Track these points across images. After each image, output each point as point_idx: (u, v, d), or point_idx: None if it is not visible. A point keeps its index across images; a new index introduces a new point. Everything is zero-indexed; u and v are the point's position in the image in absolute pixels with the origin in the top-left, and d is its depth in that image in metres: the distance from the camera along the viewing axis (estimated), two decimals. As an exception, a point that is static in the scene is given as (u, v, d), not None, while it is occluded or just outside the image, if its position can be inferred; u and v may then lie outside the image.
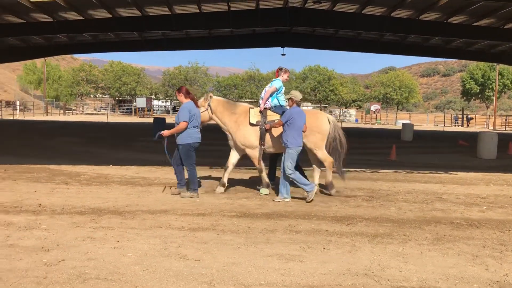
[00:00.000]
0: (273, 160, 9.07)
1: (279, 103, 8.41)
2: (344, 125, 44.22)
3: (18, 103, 51.25)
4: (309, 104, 76.46)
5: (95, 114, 61.91)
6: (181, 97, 7.85)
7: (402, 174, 11.67)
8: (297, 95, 7.82)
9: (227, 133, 8.39)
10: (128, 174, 10.32)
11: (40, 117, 46.73)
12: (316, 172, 8.55)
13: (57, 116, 52.02)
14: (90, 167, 11.05)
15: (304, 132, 7.75)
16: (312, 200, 7.59)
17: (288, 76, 8.72)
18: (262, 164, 8.30)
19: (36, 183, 8.78)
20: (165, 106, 71.05)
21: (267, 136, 8.14)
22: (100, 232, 5.47)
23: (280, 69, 8.64)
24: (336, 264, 4.61)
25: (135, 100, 64.61)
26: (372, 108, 59.31)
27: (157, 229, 5.71)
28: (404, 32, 25.27)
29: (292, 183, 7.85)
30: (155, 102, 69.45)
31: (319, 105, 75.04)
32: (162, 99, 74.42)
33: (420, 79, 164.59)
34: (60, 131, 24.66)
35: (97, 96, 74.11)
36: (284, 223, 6.13)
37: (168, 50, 33.43)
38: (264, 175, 8.36)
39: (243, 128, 8.14)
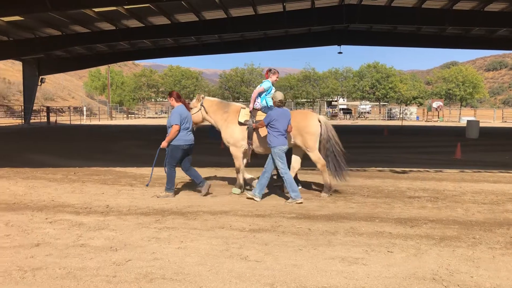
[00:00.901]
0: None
1: (267, 104, 8.32)
2: (404, 123, 42.87)
3: (84, 108, 54.03)
4: (367, 102, 74.86)
5: (156, 117, 63.96)
6: (173, 101, 8.01)
7: (468, 173, 11.12)
8: (277, 95, 7.79)
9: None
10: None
11: (105, 121, 48.97)
12: (292, 171, 8.26)
13: (120, 120, 54.31)
14: (154, 169, 11.38)
15: (289, 132, 7.72)
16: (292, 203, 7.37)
17: (277, 77, 8.60)
18: (242, 165, 8.38)
19: (103, 185, 9.18)
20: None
21: (255, 136, 8.17)
22: (165, 233, 5.63)
23: (269, 70, 8.61)
24: (401, 267, 4.46)
25: (192, 103, 65.93)
26: (434, 105, 56.99)
27: (218, 229, 5.79)
28: (467, 25, 24.20)
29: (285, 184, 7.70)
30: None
31: (377, 103, 73.29)
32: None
33: (485, 73, 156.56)
34: (124, 135, 25.69)
35: (157, 100, 76.59)
36: (345, 225, 6.02)
37: (224, 53, 34.01)
38: (241, 176, 8.39)
39: (231, 126, 8.29)
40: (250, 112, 8.35)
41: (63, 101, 60.69)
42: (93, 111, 59.36)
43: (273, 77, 8.53)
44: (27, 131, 28.08)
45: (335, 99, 76.74)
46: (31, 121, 36.26)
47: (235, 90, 72.98)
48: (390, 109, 65.37)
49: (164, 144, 7.85)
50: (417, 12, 22.16)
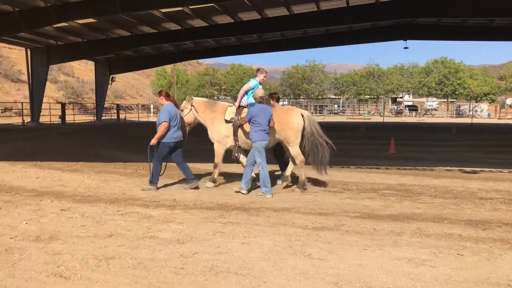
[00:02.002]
0: (280, 155, 9.22)
1: (254, 101, 8.40)
2: (475, 120, 40.75)
3: (151, 106, 56.09)
4: (434, 99, 71.91)
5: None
6: (162, 100, 8.41)
7: (547, 175, 10.40)
8: (257, 92, 8.12)
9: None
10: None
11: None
12: (290, 166, 8.64)
13: (184, 117, 55.79)
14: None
15: (271, 127, 7.99)
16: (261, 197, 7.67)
17: (265, 77, 8.87)
18: (221, 162, 8.75)
19: (171, 180, 9.51)
20: (282, 106, 72.10)
21: (240, 132, 8.43)
22: (229, 227, 5.75)
23: (258, 69, 8.92)
24: (472, 271, 4.27)
25: (255, 100, 66.54)
26: (508, 101, 53.73)
27: (281, 226, 5.83)
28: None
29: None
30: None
31: (445, 100, 70.20)
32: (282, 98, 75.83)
33: None
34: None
35: (220, 97, 78.08)
36: (412, 226, 5.85)
37: (286, 50, 33.96)
38: (217, 171, 8.76)
39: (217, 124, 8.63)
40: (236, 109, 8.64)
41: (132, 99, 63.41)
42: (160, 109, 61.52)
43: (260, 76, 8.81)
44: (99, 127, 29.63)
45: (400, 96, 74.38)
46: (102, 117, 38.21)
47: (296, 87, 72.77)
48: (459, 106, 62.43)
49: (153, 141, 8.18)
50: (490, 3, 20.96)
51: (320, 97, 75.01)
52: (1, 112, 34.67)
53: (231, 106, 8.80)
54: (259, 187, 8.08)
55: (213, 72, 76.83)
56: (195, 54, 37.32)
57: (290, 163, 8.61)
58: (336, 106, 74.22)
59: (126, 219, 6.23)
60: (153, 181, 8.30)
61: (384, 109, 61.45)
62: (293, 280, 4.07)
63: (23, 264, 4.42)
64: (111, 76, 36.82)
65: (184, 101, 9.03)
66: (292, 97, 73.99)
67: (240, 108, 8.65)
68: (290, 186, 8.61)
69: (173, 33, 26.87)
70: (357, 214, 6.53)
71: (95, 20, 23.59)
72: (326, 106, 71.64)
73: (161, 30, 26.68)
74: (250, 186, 8.06)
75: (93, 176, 9.87)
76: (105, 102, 39.17)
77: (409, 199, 7.59)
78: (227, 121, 8.54)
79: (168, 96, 8.44)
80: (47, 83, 32.45)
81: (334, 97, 77.54)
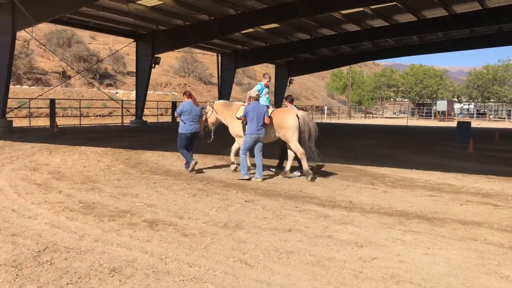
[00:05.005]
0: (282, 151, 10.28)
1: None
2: None
3: (325, 107, 56.83)
4: None
5: (394, 117, 62.73)
6: (184, 98, 10.09)
7: None
8: (251, 93, 9.50)
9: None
10: (432, 179, 9.98)
11: (343, 120, 50.57)
12: (289, 159, 9.76)
13: (358, 119, 55.25)
14: (393, 170, 11.20)
15: (266, 124, 9.24)
16: (241, 180, 9.04)
17: (268, 81, 10.13)
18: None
19: (345, 181, 9.45)
20: (467, 109, 65.66)
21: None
22: (410, 236, 5.43)
23: (263, 75, 10.30)
24: None
25: (435, 103, 62.35)
26: None
27: (470, 241, 5.27)
28: None
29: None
30: (456, 105, 65.16)
31: None
32: (464, 101, 69.42)
33: None
34: (362, 134, 26.02)
35: (396, 100, 75.02)
36: None
37: (476, 48, 30.82)
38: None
39: (232, 121, 9.95)
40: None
41: (307, 101, 65.16)
42: (333, 110, 61.97)
43: (264, 81, 10.12)
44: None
45: None
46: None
47: (485, 89, 65.70)
48: None
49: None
50: None
51: (514, 100, 66.38)
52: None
53: (244, 105, 9.82)
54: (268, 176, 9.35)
55: (391, 73, 74.14)
56: (373, 54, 36.50)
57: (289, 158, 9.73)
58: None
59: (304, 215, 6.37)
60: (187, 161, 9.84)
61: None
62: (487, 302, 3.63)
63: (214, 248, 4.85)
64: (289, 78, 38.35)
65: (207, 105, 10.49)
66: (480, 100, 67.02)
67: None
68: (290, 178, 9.62)
69: (352, 34, 26.69)
70: None
71: (278, 25, 24.84)
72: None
73: (340, 31, 26.76)
74: (262, 175, 9.29)
75: (271, 173, 10.35)
76: (282, 104, 40.92)
77: None
78: (238, 118, 9.65)
79: (189, 96, 10.04)
80: (233, 85, 35.35)
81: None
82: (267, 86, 10.17)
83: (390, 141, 20.68)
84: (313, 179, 9.30)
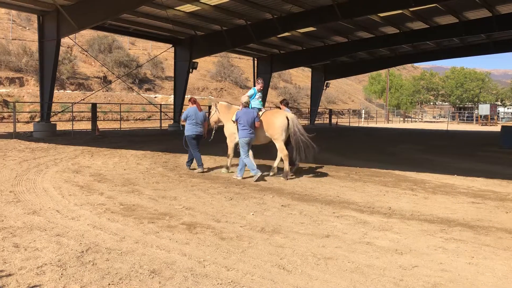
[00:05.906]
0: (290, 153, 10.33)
1: (250, 106, 10.27)
2: None
3: (363, 111, 56.02)
4: None
5: (434, 121, 61.15)
6: (190, 104, 10.94)
7: None
8: (242, 99, 10.02)
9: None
10: (475, 186, 9.65)
11: (381, 124, 49.68)
12: (278, 158, 10.34)
13: (397, 123, 54.15)
14: (433, 175, 10.91)
15: (257, 127, 9.79)
16: (257, 180, 9.38)
17: (261, 86, 10.65)
18: (232, 153, 10.58)
19: (384, 187, 9.27)
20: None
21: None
22: (452, 244, 5.27)
23: (257, 80, 10.82)
24: None
25: (477, 107, 60.37)
26: None
27: (517, 251, 5.07)
28: None
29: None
30: (500, 109, 62.84)
31: None
32: (509, 105, 66.91)
33: None
34: (401, 138, 25.47)
35: (436, 103, 73.13)
36: None
37: (520, 50, 29.68)
38: (229, 160, 10.69)
39: (227, 123, 10.59)
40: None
41: (343, 104, 64.48)
42: (370, 114, 61.03)
43: (258, 86, 10.64)
44: (312, 131, 30.87)
45: None
46: (315, 122, 39.83)
47: (531, 92, 63.13)
48: None
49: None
50: None
51: None
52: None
53: (240, 109, 10.23)
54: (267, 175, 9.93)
55: (430, 77, 72.36)
56: (411, 57, 35.65)
57: (278, 157, 10.24)
58: None
59: (342, 221, 6.29)
60: (199, 165, 10.66)
61: None
62: (537, 316, 3.48)
63: (251, 252, 4.86)
64: (325, 82, 38.05)
65: (213, 105, 11.16)
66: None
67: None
68: (292, 178, 9.96)
69: (390, 37, 26.20)
70: None
71: (314, 29, 24.71)
72: None
73: (377, 34, 26.34)
74: (258, 172, 9.57)
75: (307, 177, 10.30)
76: (319, 107, 40.65)
77: None
78: (233, 121, 10.13)
79: (194, 102, 10.90)
80: (269, 90, 35.40)
81: None
82: (260, 91, 10.68)
83: (429, 146, 20.16)
84: (290, 179, 9.84)
